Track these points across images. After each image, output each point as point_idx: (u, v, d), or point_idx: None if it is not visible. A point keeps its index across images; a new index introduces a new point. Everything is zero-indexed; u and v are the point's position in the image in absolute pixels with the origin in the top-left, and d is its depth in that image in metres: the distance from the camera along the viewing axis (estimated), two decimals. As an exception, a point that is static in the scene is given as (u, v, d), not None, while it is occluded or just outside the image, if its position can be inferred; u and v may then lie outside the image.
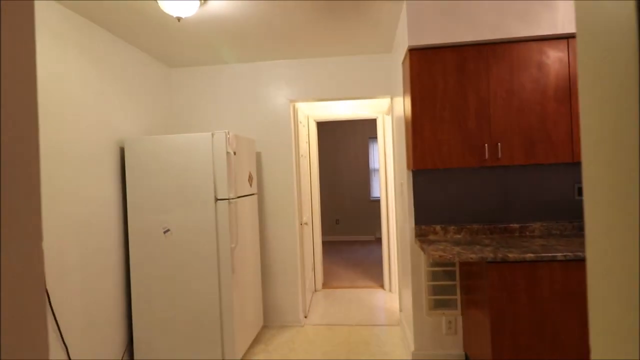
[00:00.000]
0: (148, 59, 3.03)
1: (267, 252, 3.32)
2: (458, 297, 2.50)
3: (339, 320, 3.41)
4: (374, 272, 4.97)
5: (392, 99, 3.27)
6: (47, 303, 1.95)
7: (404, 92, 2.53)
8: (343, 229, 7.39)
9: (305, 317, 3.48)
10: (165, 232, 2.54)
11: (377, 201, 7.32)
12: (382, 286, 4.34)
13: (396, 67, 2.88)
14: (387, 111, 3.98)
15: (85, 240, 2.25)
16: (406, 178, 2.62)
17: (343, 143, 7.42)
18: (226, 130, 2.50)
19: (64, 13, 2.16)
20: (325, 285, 4.47)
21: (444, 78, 2.28)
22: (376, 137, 7.30)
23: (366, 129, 7.36)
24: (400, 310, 3.31)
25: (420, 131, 2.30)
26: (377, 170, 7.34)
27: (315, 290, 4.27)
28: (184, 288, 2.53)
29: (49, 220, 1.99)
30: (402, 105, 2.66)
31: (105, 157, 2.45)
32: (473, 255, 1.94)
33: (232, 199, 2.53)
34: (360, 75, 3.24)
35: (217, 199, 2.50)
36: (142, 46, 2.85)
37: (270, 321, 3.32)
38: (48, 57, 2.04)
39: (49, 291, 1.96)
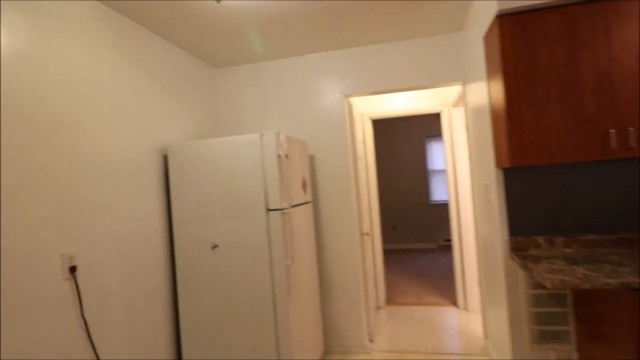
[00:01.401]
0: (191, 59, 2.80)
1: (324, 268, 2.95)
2: (572, 327, 1.96)
3: (410, 345, 2.94)
4: (442, 286, 4.43)
5: (464, 85, 2.79)
6: (85, 332, 1.71)
7: (489, 73, 2.06)
8: (401, 237, 6.86)
9: (371, 341, 3.05)
10: (213, 248, 2.26)
11: (439, 205, 6.72)
12: (454, 303, 3.80)
13: (471, 46, 2.40)
14: (455, 102, 3.48)
15: (128, 258, 2.01)
16: (494, 178, 2.13)
17: (398, 143, 6.91)
18: (276, 130, 2.17)
19: (98, 8, 1.95)
20: (389, 301, 4.01)
21: (548, 48, 1.78)
22: (434, 136, 6.73)
23: (422, 127, 6.81)
24: (486, 337, 2.79)
25: (517, 118, 1.81)
26: (437, 171, 6.75)
27: (379, 308, 3.83)
28: (235, 312, 2.22)
29: (87, 238, 1.76)
30: (484, 90, 2.18)
31: (147, 166, 2.22)
32: (610, 281, 1.43)
33: (286, 209, 2.19)
34: (425, 61, 2.79)
35: (268, 210, 2.17)
36: (185, 45, 2.62)
37: (331, 346, 2.94)
38: (81, 58, 1.82)
39: (86, 319, 1.72)
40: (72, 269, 1.66)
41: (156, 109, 2.35)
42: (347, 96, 2.93)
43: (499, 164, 2.03)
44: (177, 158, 2.31)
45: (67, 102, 1.72)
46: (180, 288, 2.30)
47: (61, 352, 1.59)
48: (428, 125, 6.79)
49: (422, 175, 6.81)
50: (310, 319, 2.54)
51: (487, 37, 2.06)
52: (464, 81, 2.73)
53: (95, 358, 1.75)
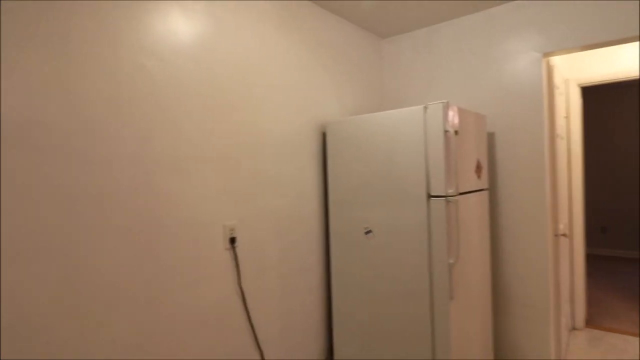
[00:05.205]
0: (357, 31, 2.63)
1: (501, 273, 2.42)
2: None
3: (622, 392, 2.16)
4: (681, 317, 3.18)
5: None
6: (242, 301, 1.80)
7: None
8: (613, 241, 5.33)
9: (560, 371, 2.39)
10: (366, 233, 2.08)
11: (680, 204, 4.90)
12: None
13: None
14: None
15: (284, 235, 2.03)
16: None
17: (618, 118, 5.29)
18: (444, 101, 1.80)
19: (264, -16, 1.96)
20: (590, 322, 3.11)
21: None
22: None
23: (661, 96, 5.00)
24: None
25: None
26: (681, 157, 4.89)
27: (574, 329, 3.00)
28: (387, 306, 2.01)
29: (247, 212, 1.82)
30: None
31: (306, 144, 2.18)
32: None
33: (452, 196, 1.81)
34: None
35: (430, 196, 1.84)
36: (350, 16, 2.46)
37: (503, 364, 2.43)
38: (247, 37, 1.86)
39: (243, 289, 1.80)
40: (232, 240, 1.74)
41: (318, 85, 2.28)
42: (547, 55, 2.25)
43: None
44: (335, 135, 2.19)
45: (233, 80, 1.78)
46: (333, 271, 2.23)
47: (220, 315, 1.70)
48: (670, 94, 4.94)
49: (654, 162, 5.05)
50: (477, 330, 2.11)
51: None
52: None
53: (249, 325, 1.83)
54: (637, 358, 2.53)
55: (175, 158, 1.54)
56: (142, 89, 1.45)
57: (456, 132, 1.87)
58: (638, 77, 2.79)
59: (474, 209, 2.10)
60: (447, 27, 2.60)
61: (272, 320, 1.95)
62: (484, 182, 2.23)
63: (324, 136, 2.31)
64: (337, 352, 2.22)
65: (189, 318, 1.57)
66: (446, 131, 1.80)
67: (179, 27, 1.57)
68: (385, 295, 2.01)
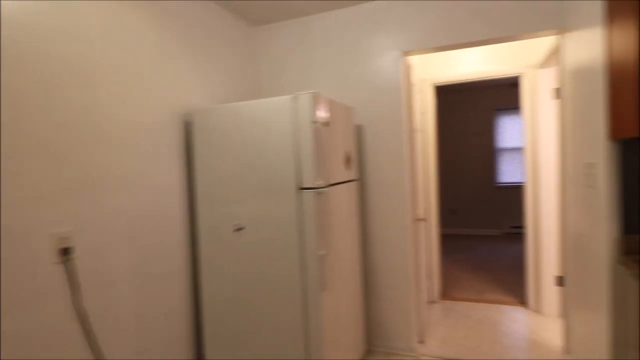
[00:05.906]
0: (226, 15, 2.44)
1: (369, 258, 2.55)
2: None
3: (468, 352, 2.49)
4: (508, 281, 3.84)
5: (562, 35, 2.15)
6: (83, 323, 1.48)
7: (613, 15, 1.46)
8: (461, 221, 6.22)
9: (421, 342, 2.64)
10: (237, 230, 1.94)
11: (506, 188, 5.97)
12: (522, 303, 3.24)
13: (580, -23, 1.78)
14: (543, 62, 2.81)
15: (140, 239, 1.75)
16: (604, 155, 1.56)
17: (462, 116, 6.17)
18: (314, 91, 1.76)
19: (103, -59, 1.63)
20: (444, 295, 3.54)
21: None
22: (506, 109, 5.88)
23: (492, 98, 5.99)
24: (568, 352, 2.25)
25: (660, 67, 1.23)
26: (506, 150, 5.95)
27: (432, 302, 3.37)
28: (261, 304, 1.91)
29: (90, 215, 1.51)
30: (597, 40, 1.58)
31: (165, 134, 1.93)
32: None
33: (322, 187, 1.80)
34: (510, 3, 2.17)
35: (300, 188, 1.79)
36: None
37: (375, 346, 2.57)
38: (90, 8, 1.52)
39: (85, 308, 1.49)
40: (65, 252, 1.41)
41: (181, 70, 2.03)
42: (407, 53, 2.41)
43: (615, 134, 1.46)
44: (201, 125, 1.98)
45: (66, 55, 1.43)
46: (203, 272, 2.03)
47: (48, 345, 1.37)
48: (498, 97, 5.96)
49: (488, 153, 6.05)
50: (350, 315, 2.18)
51: (610, -45, 1.45)
52: (562, 29, 2.10)
53: (95, 351, 1.53)
54: (475, 322, 2.96)
55: (-29, 150, 1.16)
56: None
57: (326, 124, 1.86)
58: (476, 80, 3.23)
59: (344, 199, 2.14)
60: (320, 19, 2.60)
61: (126, 339, 1.67)
62: (352, 173, 2.29)
63: (189, 126, 2.08)
64: (210, 361, 2.04)
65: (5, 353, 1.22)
66: (316, 122, 1.76)
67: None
68: (259, 294, 1.91)
